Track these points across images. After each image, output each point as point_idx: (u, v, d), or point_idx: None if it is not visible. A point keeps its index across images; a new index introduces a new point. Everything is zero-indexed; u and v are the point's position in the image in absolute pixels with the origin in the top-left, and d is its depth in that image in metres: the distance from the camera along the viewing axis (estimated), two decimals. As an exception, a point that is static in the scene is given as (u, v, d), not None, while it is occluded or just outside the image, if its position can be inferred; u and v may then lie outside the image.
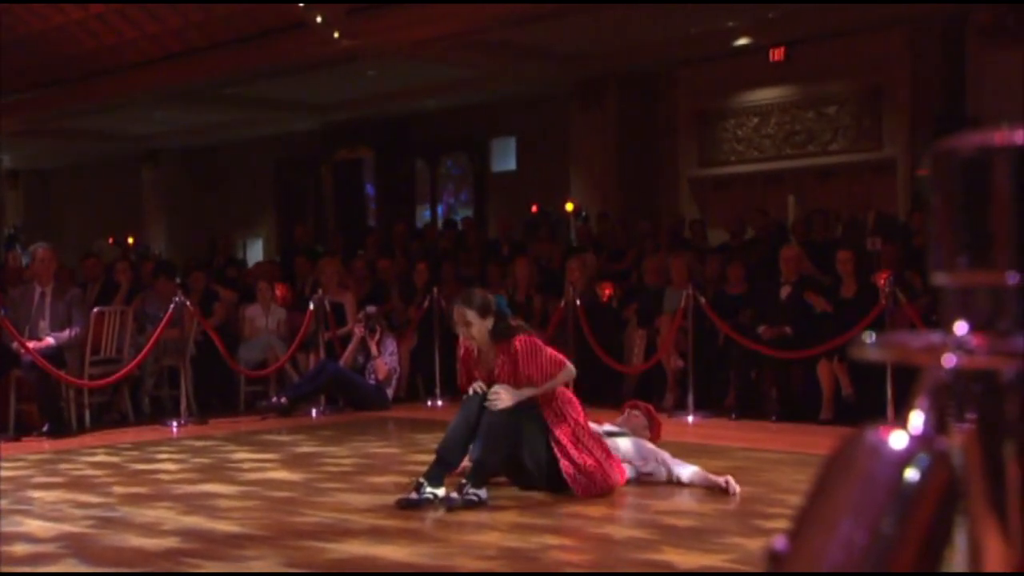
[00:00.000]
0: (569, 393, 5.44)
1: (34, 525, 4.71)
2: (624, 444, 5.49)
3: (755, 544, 4.16)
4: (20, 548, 4.28)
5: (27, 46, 12.58)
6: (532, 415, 5.18)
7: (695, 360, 8.35)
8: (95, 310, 8.46)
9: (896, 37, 11.29)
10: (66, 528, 4.64)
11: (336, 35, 11.09)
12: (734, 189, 12.98)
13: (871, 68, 11.55)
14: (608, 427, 5.66)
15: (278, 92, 14.12)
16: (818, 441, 6.97)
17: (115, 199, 19.12)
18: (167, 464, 6.46)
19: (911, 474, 0.60)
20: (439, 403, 9.33)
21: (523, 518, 4.68)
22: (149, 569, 3.93)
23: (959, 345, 0.62)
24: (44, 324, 8.00)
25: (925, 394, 0.63)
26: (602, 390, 9.29)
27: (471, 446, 5.11)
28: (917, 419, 0.62)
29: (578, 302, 9.07)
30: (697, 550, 4.07)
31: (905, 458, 0.60)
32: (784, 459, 6.33)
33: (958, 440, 0.64)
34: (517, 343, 5.18)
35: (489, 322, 5.19)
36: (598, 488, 5.14)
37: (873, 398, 7.35)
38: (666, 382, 8.92)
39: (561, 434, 5.18)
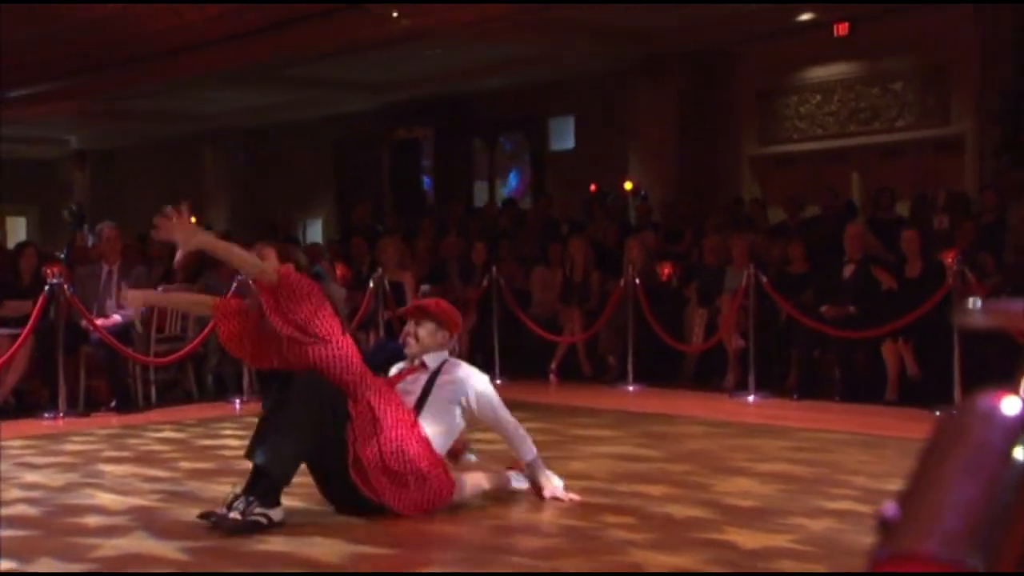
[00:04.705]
0: (381, 383, 4.42)
1: (105, 498, 4.81)
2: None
3: (818, 525, 4.11)
4: (92, 520, 4.37)
5: (91, 29, 12.77)
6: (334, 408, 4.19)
7: (756, 340, 8.27)
8: (160, 288, 8.59)
9: (963, 11, 11.02)
10: (135, 501, 4.74)
11: (395, 15, 11.10)
12: (796, 167, 12.79)
13: (937, 43, 11.30)
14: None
15: (337, 72, 14.17)
16: (883, 422, 6.89)
17: (178, 179, 19.35)
18: (231, 440, 6.55)
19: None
20: (498, 382, 9.35)
21: (583, 496, 4.67)
22: (212, 543, 3.99)
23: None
24: (111, 302, 8.14)
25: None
26: (662, 369, 9.25)
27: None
28: (1029, 385, 0.60)
29: (637, 281, 9.03)
30: (760, 530, 4.03)
31: (1019, 424, 0.58)
32: (848, 440, 6.25)
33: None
34: (283, 271, 4.22)
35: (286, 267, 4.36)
36: (412, 500, 4.23)
37: (939, 378, 7.23)
38: (727, 362, 8.85)
39: (362, 434, 4.18)
